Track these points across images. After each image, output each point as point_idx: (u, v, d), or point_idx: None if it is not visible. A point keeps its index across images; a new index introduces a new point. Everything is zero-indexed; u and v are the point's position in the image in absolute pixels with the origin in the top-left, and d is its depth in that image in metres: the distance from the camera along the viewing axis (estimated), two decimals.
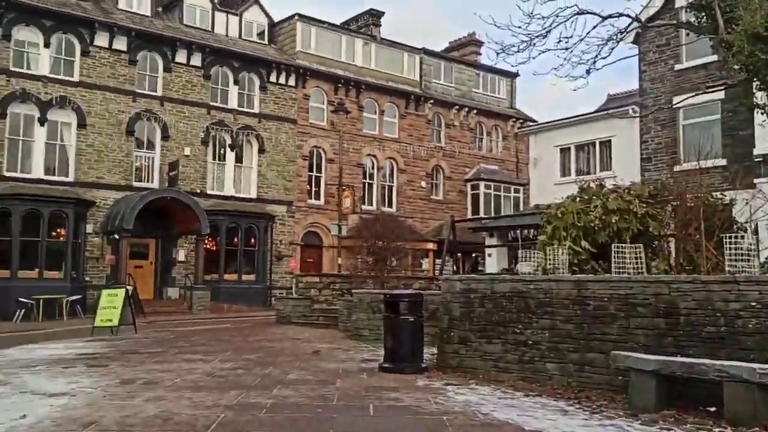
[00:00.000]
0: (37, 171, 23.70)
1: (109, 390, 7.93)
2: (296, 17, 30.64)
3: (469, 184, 35.40)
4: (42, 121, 23.78)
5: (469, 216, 33.22)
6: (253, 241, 27.66)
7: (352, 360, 10.87)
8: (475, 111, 36.09)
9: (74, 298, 22.07)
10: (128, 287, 18.42)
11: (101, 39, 25.02)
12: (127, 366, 10.11)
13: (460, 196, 35.09)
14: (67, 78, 24.37)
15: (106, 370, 9.74)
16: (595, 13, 11.95)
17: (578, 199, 10.24)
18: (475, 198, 34.95)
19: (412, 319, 9.61)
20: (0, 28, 22.98)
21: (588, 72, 12.26)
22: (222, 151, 28.09)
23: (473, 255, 31.86)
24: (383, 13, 35.54)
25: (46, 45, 24.02)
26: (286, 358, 11.03)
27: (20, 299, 20.68)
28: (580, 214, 9.76)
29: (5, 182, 22.67)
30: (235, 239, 27.20)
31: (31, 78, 23.59)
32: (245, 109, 28.58)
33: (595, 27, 12.16)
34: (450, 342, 9.68)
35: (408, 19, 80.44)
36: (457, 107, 35.39)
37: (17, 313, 20.56)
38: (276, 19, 31.24)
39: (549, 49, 12.19)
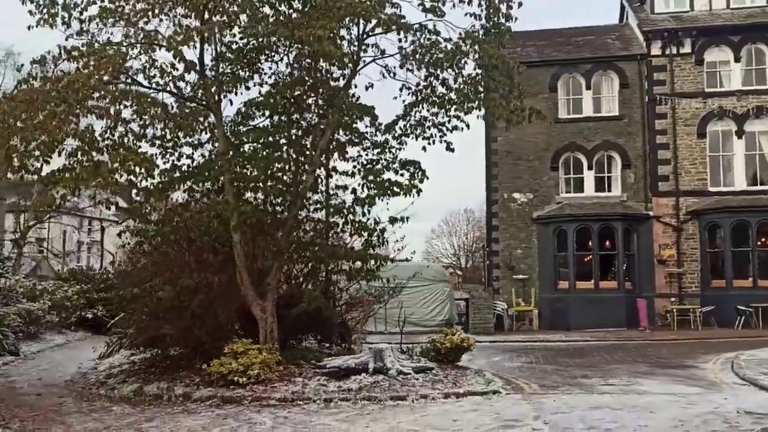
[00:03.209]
0: (739, 183, 24.22)
1: None
2: None
3: None
4: (739, 134, 24.25)
5: None
6: None
7: None
8: None
9: None
10: None
11: None
12: None
13: None
14: (759, 87, 24.26)
15: None
16: None
17: None
18: None
19: None
20: (693, 55, 24.74)
21: None
22: None
23: None
24: None
25: (736, 60, 24.52)
26: None
27: (738, 307, 21.48)
28: None
29: (710, 197, 23.99)
30: None
31: (724, 95, 24.41)
32: None
33: None
34: None
35: None
36: None
37: (737, 320, 21.42)
38: None
39: None
